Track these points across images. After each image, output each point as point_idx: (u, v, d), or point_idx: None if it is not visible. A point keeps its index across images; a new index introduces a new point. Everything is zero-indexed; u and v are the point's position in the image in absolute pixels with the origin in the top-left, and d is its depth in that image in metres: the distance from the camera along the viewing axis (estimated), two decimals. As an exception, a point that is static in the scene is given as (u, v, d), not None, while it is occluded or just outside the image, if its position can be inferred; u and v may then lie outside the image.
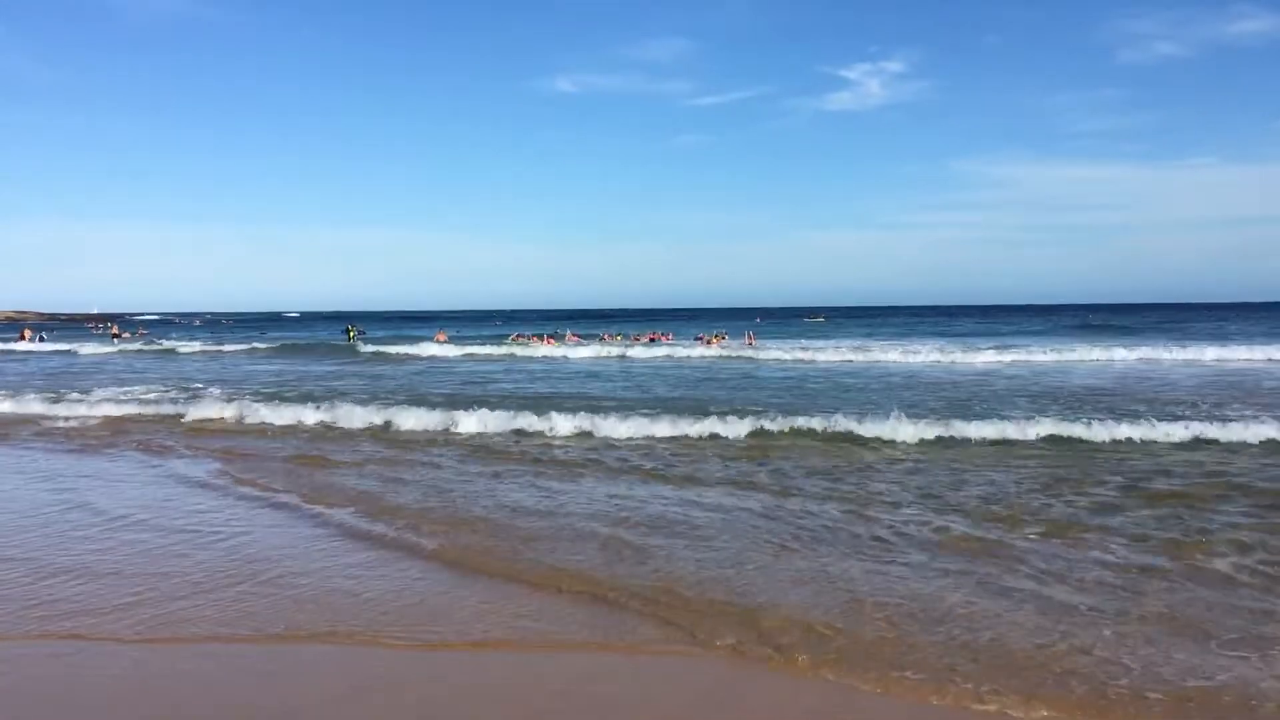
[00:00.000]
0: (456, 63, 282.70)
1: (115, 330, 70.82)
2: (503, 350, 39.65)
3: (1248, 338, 43.15)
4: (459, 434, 14.79)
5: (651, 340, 47.78)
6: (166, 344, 51.47)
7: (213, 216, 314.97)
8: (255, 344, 47.96)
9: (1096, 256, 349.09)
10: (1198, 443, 12.71)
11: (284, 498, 10.26)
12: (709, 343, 45.48)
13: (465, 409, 16.19)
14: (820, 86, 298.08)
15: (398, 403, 18.29)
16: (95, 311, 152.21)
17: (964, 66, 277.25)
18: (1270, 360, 29.28)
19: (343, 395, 20.60)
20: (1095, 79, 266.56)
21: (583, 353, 38.33)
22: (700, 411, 15.67)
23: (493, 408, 16.22)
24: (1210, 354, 30.94)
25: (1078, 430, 13.26)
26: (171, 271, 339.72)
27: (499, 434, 14.63)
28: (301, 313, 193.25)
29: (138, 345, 50.84)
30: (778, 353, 35.56)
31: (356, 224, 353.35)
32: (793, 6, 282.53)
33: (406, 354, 39.60)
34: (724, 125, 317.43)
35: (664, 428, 14.34)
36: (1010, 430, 13.32)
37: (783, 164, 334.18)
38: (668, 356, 35.96)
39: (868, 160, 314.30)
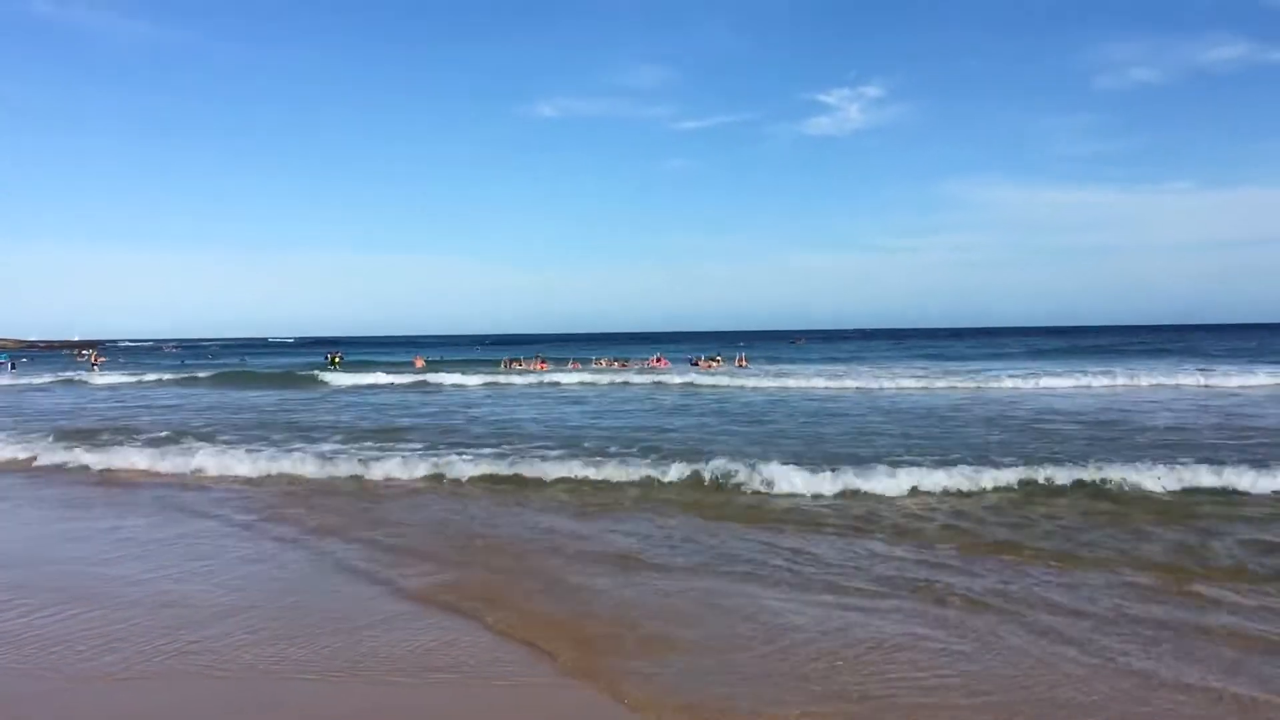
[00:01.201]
0: (441, 87, 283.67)
1: (95, 358, 69.65)
2: (488, 379, 38.46)
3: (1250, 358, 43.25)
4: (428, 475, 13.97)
5: (648, 364, 47.11)
6: (68, 374, 47.35)
7: (201, 240, 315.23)
8: (162, 374, 45.15)
9: (1079, 279, 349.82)
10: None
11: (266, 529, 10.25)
12: (704, 366, 44.88)
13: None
14: (800, 112, 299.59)
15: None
16: (77, 338, 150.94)
17: (942, 92, 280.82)
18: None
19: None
20: (1074, 105, 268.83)
21: (571, 378, 37.87)
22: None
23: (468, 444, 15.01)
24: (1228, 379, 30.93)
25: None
26: (160, 297, 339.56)
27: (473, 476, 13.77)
28: (296, 338, 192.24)
29: (61, 376, 45.99)
30: (765, 380, 34.99)
31: (344, 247, 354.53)
32: (771, 34, 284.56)
33: (373, 384, 37.52)
34: (706, 150, 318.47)
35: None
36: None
37: (765, 188, 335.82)
38: (659, 383, 35.26)
39: (849, 184, 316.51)
